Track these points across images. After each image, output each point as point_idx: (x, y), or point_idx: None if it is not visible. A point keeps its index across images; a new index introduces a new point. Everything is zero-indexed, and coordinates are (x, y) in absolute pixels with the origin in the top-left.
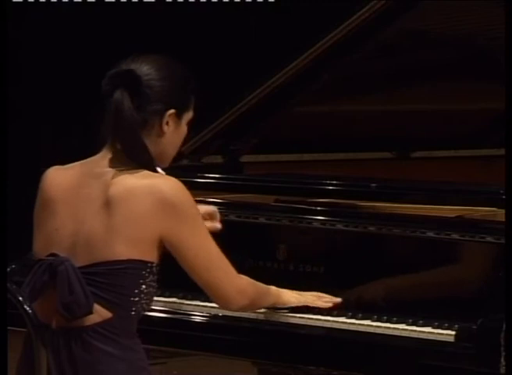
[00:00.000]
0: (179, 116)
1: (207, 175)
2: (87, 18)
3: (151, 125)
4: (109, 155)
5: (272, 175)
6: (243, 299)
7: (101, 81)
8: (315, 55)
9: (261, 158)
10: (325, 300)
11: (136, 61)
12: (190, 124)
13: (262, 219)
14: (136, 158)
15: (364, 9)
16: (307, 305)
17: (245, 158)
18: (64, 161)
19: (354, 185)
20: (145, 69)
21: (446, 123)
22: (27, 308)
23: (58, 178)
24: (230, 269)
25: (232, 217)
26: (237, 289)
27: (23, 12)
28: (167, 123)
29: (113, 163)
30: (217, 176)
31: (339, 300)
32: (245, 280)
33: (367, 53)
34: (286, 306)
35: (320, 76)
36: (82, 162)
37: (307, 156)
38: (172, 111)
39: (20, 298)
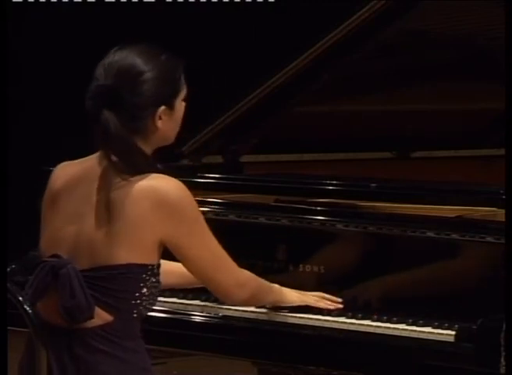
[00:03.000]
0: (170, 106)
1: (207, 175)
2: (87, 18)
3: (144, 128)
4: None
5: (272, 175)
6: (243, 293)
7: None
8: (315, 55)
9: (261, 158)
10: (327, 301)
11: (118, 55)
12: (188, 99)
13: (262, 219)
14: (134, 168)
15: (364, 9)
16: (310, 305)
17: (245, 158)
18: (65, 161)
19: (354, 185)
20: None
21: (446, 123)
22: (27, 309)
23: (63, 174)
24: (232, 265)
25: (232, 217)
26: (238, 283)
27: (23, 12)
28: (160, 118)
29: (113, 165)
30: (217, 176)
31: (339, 300)
32: (247, 275)
33: (367, 53)
34: (287, 305)
35: (320, 76)
36: (87, 158)
37: (307, 156)
38: (162, 108)
39: (20, 298)
